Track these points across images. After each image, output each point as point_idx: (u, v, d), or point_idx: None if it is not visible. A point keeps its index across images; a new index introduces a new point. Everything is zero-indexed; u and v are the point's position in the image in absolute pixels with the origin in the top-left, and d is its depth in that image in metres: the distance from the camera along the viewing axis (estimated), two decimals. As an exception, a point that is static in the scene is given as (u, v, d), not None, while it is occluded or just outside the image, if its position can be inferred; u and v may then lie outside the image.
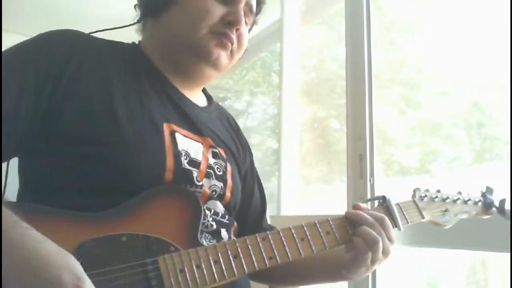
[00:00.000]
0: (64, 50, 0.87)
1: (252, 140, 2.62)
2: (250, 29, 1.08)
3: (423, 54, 1.75)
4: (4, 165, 0.89)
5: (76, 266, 0.63)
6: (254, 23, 1.09)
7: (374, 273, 1.51)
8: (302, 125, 2.30)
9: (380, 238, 0.89)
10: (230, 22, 0.96)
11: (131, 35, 1.04)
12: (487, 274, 1.57)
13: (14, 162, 0.90)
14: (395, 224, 0.95)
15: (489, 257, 1.53)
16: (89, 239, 0.72)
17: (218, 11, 0.95)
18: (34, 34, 0.90)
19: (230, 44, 0.97)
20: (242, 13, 0.98)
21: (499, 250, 1.23)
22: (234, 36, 0.97)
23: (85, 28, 0.97)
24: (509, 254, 1.13)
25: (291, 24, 2.30)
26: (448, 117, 1.68)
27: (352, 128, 1.67)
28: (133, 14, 1.02)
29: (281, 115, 2.24)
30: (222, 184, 0.97)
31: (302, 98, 2.33)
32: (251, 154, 1.18)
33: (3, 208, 0.66)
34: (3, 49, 0.85)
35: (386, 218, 0.92)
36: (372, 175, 1.59)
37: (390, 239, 0.91)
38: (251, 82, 2.83)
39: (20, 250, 0.61)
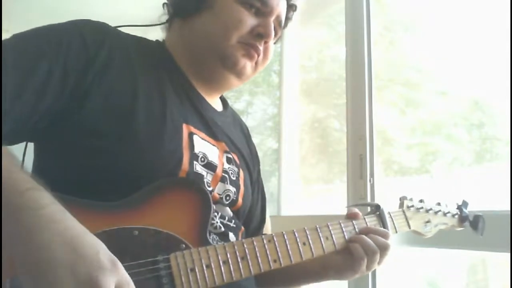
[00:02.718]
0: (96, 42, 0.86)
1: (252, 140, 2.62)
2: (275, 43, 1.09)
3: (423, 54, 1.75)
4: (20, 154, 0.89)
5: (108, 250, 0.65)
6: (280, 38, 1.10)
7: (374, 273, 1.51)
8: (302, 125, 2.30)
9: (378, 249, 0.91)
10: (260, 34, 0.97)
11: (139, 34, 1.04)
12: (487, 274, 1.57)
13: (28, 156, 0.90)
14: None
15: (489, 257, 1.53)
16: (101, 231, 0.72)
17: (250, 22, 0.96)
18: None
19: (256, 56, 0.99)
20: (272, 26, 0.99)
21: (499, 250, 1.23)
22: (261, 48, 0.99)
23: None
24: (509, 254, 1.13)
25: (291, 24, 2.29)
26: (448, 117, 1.68)
27: (352, 128, 1.67)
28: (132, 15, 1.03)
29: (281, 115, 2.24)
30: (235, 189, 0.97)
31: (302, 98, 2.32)
32: (258, 163, 1.18)
33: (44, 187, 0.67)
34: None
35: (389, 247, 0.93)
36: (372, 175, 1.59)
37: (379, 264, 0.93)
38: (251, 82, 2.83)
39: (64, 226, 0.63)
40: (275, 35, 1.03)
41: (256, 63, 1.01)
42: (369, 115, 1.62)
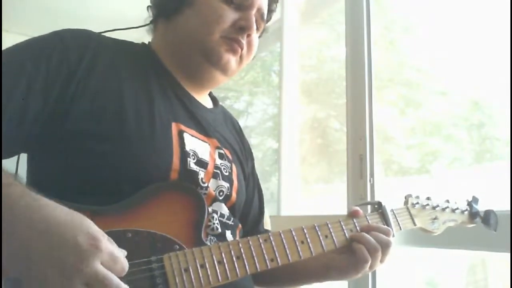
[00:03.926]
0: (78, 49, 0.87)
1: (252, 140, 2.62)
2: (260, 36, 1.09)
3: (423, 54, 1.75)
4: (14, 162, 0.90)
5: (90, 226, 0.65)
6: (264, 30, 1.10)
7: (374, 273, 1.52)
8: (302, 125, 2.30)
9: (379, 247, 0.90)
10: (241, 28, 0.97)
11: (134, 36, 1.04)
12: (487, 274, 1.57)
13: (22, 160, 0.90)
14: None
15: (489, 257, 1.53)
16: None
17: (231, 16, 0.96)
18: (34, 34, 0.90)
19: (240, 50, 0.99)
20: (254, 19, 0.99)
21: (499, 250, 1.23)
22: (244, 42, 0.99)
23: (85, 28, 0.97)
24: (509, 254, 1.13)
25: (291, 24, 2.30)
26: (448, 117, 1.68)
27: (352, 128, 1.67)
28: (131, 15, 1.03)
29: (281, 115, 2.24)
30: (228, 185, 0.97)
31: (302, 98, 2.33)
32: (252, 159, 1.18)
33: (15, 179, 0.68)
34: (3, 49, 0.85)
35: (391, 244, 0.92)
36: (372, 175, 1.59)
37: (381, 262, 0.92)
38: (251, 82, 2.83)
39: (39, 216, 0.63)
40: (258, 28, 1.04)
41: (240, 57, 1.01)
42: (369, 115, 1.62)
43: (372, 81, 1.64)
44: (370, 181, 1.58)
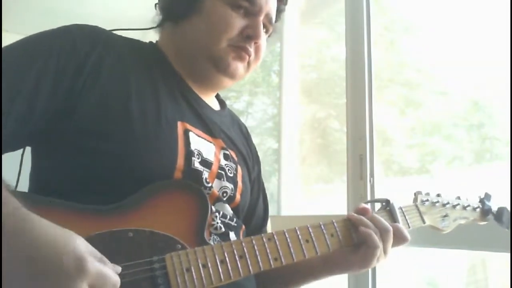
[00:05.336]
0: (86, 45, 0.87)
1: (252, 140, 2.62)
2: (269, 36, 1.09)
3: (423, 54, 1.76)
4: (18, 156, 0.90)
5: (76, 245, 0.62)
6: (273, 31, 1.10)
7: (374, 273, 1.51)
8: (302, 125, 2.31)
9: (391, 228, 0.90)
10: (249, 36, 0.97)
11: (133, 36, 1.04)
12: (487, 274, 1.58)
13: (27, 156, 0.90)
14: None
15: (489, 257, 1.53)
16: (94, 234, 0.71)
17: (238, 23, 0.96)
18: (34, 34, 0.89)
19: (247, 57, 0.99)
20: (262, 26, 0.99)
21: (499, 250, 1.23)
22: (252, 49, 0.99)
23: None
24: (509, 254, 1.13)
25: (291, 24, 2.30)
26: (448, 117, 1.68)
27: (352, 128, 1.67)
28: (132, 15, 1.03)
29: (281, 115, 2.24)
30: (232, 186, 0.97)
31: (302, 98, 2.33)
32: (259, 164, 1.17)
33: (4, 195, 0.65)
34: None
35: (391, 231, 0.91)
36: (372, 175, 1.59)
37: (385, 252, 0.91)
38: (251, 82, 2.83)
39: (20, 240, 0.61)
40: (266, 32, 1.04)
41: (248, 63, 1.01)
42: (369, 115, 1.62)
43: (372, 81, 1.65)
44: (370, 181, 1.58)
